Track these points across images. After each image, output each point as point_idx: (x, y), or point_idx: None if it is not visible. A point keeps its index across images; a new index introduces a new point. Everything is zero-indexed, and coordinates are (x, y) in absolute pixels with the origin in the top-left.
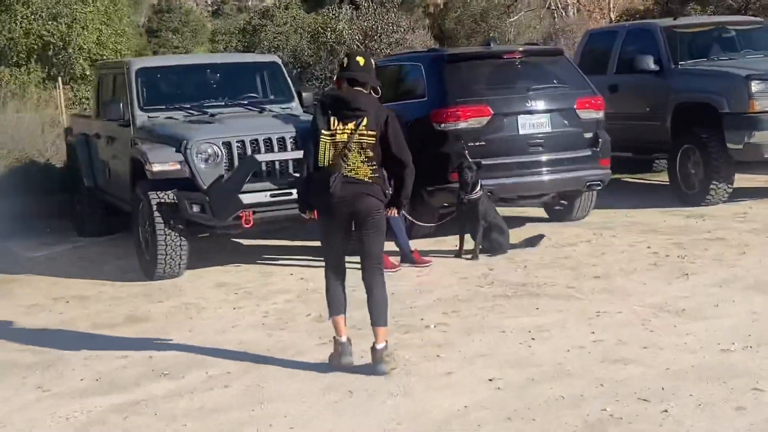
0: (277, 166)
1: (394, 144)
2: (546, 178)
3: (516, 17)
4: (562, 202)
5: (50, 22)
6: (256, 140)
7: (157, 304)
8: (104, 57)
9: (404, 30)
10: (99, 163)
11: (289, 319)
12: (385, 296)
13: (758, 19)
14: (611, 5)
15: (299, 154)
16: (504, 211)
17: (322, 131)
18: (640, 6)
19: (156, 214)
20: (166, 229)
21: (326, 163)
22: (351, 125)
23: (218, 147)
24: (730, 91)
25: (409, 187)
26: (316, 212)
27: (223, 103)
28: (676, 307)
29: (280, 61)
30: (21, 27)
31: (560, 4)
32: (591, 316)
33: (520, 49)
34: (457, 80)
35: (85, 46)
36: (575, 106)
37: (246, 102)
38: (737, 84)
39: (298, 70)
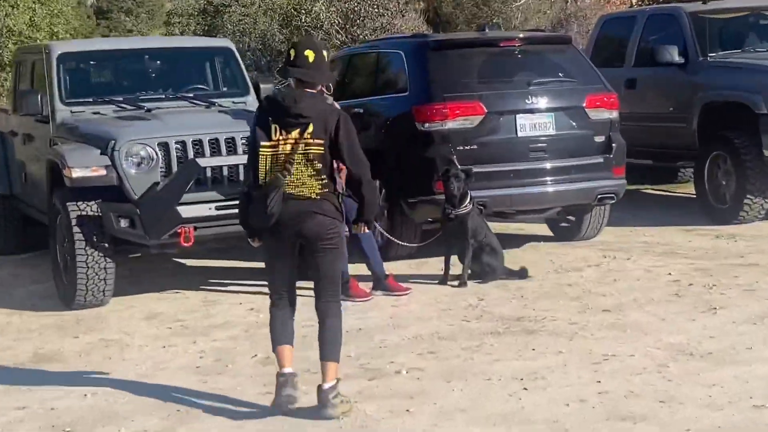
0: (225, 172)
1: (346, 153)
2: (549, 189)
3: (523, 1)
4: (569, 218)
5: None
6: (200, 141)
7: (72, 340)
8: (39, 41)
9: (392, 13)
10: (15, 166)
11: (229, 361)
12: (340, 327)
13: None
14: None
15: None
16: (499, 227)
17: (262, 143)
18: None
19: (76, 229)
20: (87, 248)
21: (265, 179)
22: (295, 134)
23: (153, 148)
24: None
25: (371, 204)
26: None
27: (164, 96)
28: (700, 350)
29: (233, 47)
30: None
31: None
32: (597, 359)
33: (521, 36)
34: (445, 72)
35: (15, 28)
36: (584, 105)
37: (191, 95)
38: None
39: (268, 58)
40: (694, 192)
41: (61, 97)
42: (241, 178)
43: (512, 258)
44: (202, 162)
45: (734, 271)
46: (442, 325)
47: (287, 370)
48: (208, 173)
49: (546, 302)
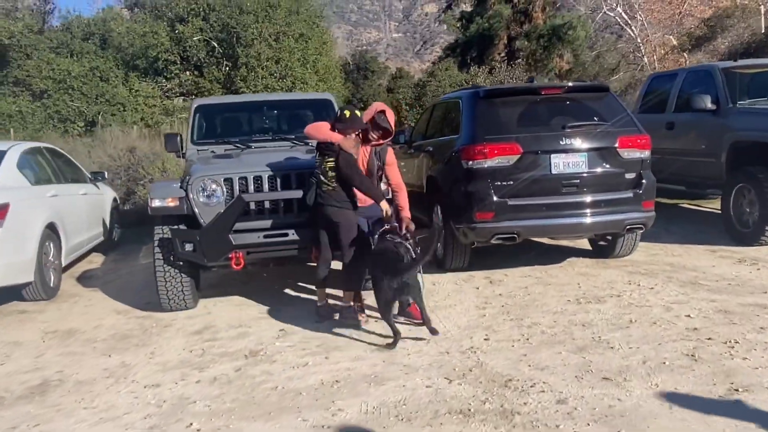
0: (281, 204)
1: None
2: (580, 220)
3: (618, 75)
4: (607, 237)
5: (280, 80)
6: (260, 177)
7: (105, 359)
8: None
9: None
10: None
11: (177, 414)
12: None
13: None
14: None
15: (294, 193)
16: (548, 241)
17: None
18: None
19: (156, 249)
20: (164, 265)
21: None
22: None
23: (219, 183)
24: None
25: None
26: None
27: (271, 138)
28: None
29: (333, 98)
30: (261, 83)
31: (648, 63)
32: None
33: (561, 85)
34: (489, 116)
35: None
36: (617, 145)
37: (293, 136)
38: None
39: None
40: (719, 207)
41: (192, 138)
42: (295, 209)
43: (548, 275)
44: (246, 197)
45: (758, 317)
46: (420, 386)
47: (320, 303)
48: (267, 205)
49: (547, 353)
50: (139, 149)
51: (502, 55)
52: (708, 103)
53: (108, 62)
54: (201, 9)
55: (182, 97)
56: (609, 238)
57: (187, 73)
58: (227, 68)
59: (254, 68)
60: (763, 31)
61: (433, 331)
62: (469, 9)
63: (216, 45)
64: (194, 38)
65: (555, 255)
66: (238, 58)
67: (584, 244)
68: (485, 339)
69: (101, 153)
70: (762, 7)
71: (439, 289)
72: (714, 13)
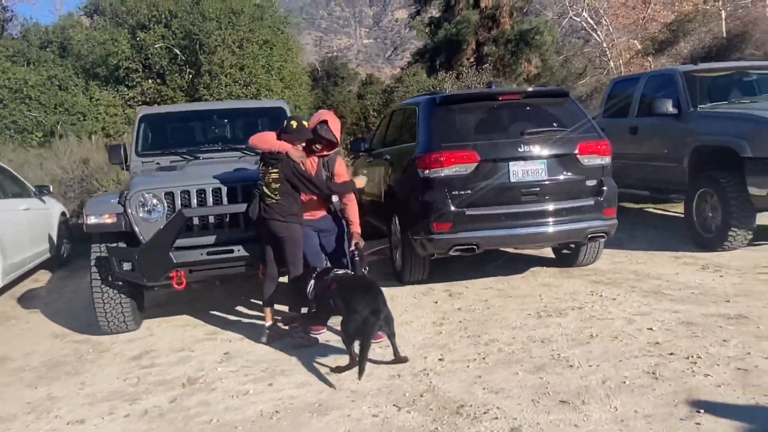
0: (227, 219)
1: None
2: (540, 230)
3: (585, 80)
4: (571, 245)
5: (245, 88)
6: (203, 190)
7: (33, 391)
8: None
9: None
10: None
11: None
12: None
13: None
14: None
15: (239, 207)
16: (511, 249)
17: None
18: None
19: (93, 269)
20: (102, 285)
21: None
22: None
23: (159, 198)
24: (754, 134)
25: None
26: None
27: (220, 147)
28: None
29: (286, 106)
30: (225, 91)
31: (614, 67)
32: None
33: (520, 90)
34: (446, 124)
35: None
36: (576, 152)
37: (244, 146)
38: (762, 127)
39: None
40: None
41: (137, 149)
42: (241, 224)
43: (510, 286)
44: (187, 212)
45: (721, 329)
46: (366, 415)
47: (268, 323)
48: (212, 220)
49: (503, 373)
50: (93, 160)
51: (471, 60)
52: (669, 107)
53: (67, 71)
54: (162, 16)
55: (145, 106)
56: (572, 246)
57: (150, 81)
58: (190, 75)
59: (218, 75)
60: (724, 35)
61: (403, 360)
62: (437, 15)
63: (178, 52)
64: (156, 45)
65: (518, 264)
66: (201, 65)
67: (548, 252)
68: (440, 359)
69: (54, 165)
70: (723, 11)
71: (396, 305)
72: (676, 18)
